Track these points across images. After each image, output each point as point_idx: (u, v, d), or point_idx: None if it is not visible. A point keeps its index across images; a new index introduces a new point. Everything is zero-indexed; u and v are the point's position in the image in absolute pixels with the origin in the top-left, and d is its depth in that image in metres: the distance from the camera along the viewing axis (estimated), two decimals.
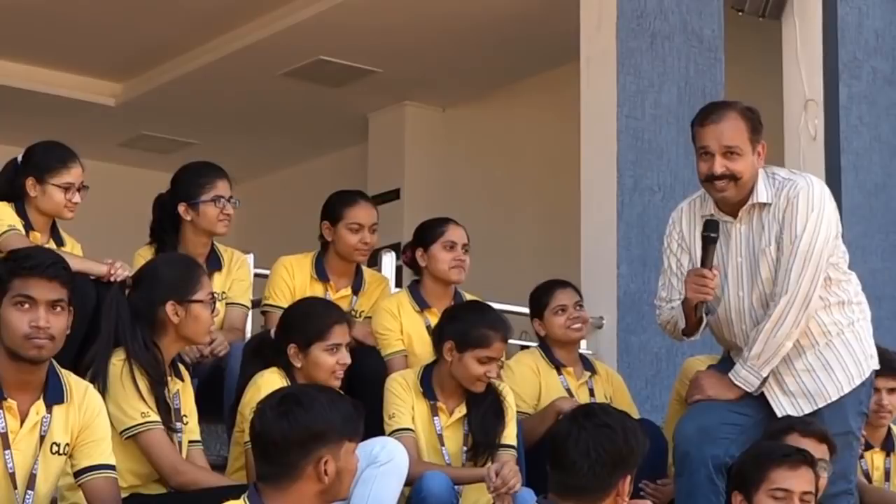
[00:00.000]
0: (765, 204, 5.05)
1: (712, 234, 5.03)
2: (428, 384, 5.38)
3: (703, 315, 5.13)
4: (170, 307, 4.69)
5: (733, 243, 5.11)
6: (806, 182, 5.07)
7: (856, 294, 5.16)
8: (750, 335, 5.05)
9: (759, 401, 5.10)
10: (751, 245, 5.09)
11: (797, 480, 4.55)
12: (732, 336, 5.16)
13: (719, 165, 4.98)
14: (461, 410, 5.39)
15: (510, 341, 5.59)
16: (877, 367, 5.18)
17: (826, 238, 5.01)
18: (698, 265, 5.11)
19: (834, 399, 5.04)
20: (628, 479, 3.95)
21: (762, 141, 5.06)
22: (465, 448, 5.36)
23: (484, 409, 5.35)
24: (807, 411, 5.04)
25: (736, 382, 5.02)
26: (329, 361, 5.03)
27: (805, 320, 4.99)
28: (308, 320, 5.10)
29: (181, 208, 5.77)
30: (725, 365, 5.27)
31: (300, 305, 5.32)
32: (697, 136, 5.07)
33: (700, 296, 5.00)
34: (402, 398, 5.34)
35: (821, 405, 5.03)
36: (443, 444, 5.34)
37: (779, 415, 5.06)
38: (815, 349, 5.06)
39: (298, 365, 5.03)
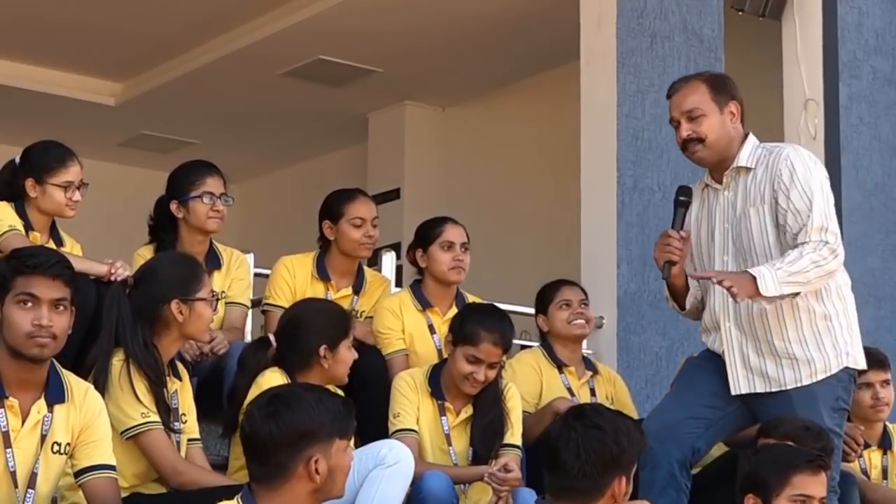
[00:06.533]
0: (749, 169, 5.15)
1: (681, 198, 5.20)
2: (436, 383, 5.40)
3: (664, 278, 5.24)
4: (174, 305, 4.70)
5: (720, 209, 5.22)
6: (792, 147, 5.21)
7: (838, 288, 5.16)
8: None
9: (729, 394, 5.14)
10: (736, 209, 5.17)
11: (817, 486, 4.56)
12: (713, 304, 5.19)
13: (685, 129, 5.15)
14: (468, 411, 5.40)
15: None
16: (855, 365, 5.17)
17: (827, 188, 5.11)
18: (696, 241, 5.25)
19: (790, 388, 5.06)
20: (622, 479, 3.93)
21: (733, 101, 5.18)
22: (471, 448, 5.37)
23: (490, 419, 5.37)
24: (759, 390, 5.10)
25: (754, 273, 4.97)
26: (350, 358, 5.12)
27: (836, 264, 5.01)
28: (333, 319, 5.16)
29: (173, 206, 5.80)
30: (698, 357, 5.34)
31: (313, 307, 5.31)
32: (669, 112, 5.25)
33: (665, 255, 5.14)
34: (409, 398, 5.36)
35: (774, 389, 5.08)
36: (450, 444, 5.36)
37: (733, 393, 5.12)
38: (783, 335, 5.09)
39: (326, 366, 5.06)
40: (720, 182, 5.22)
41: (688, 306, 5.33)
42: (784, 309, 5.07)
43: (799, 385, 5.07)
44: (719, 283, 4.97)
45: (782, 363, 5.08)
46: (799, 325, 5.09)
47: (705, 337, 5.29)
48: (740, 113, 5.19)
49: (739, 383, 5.13)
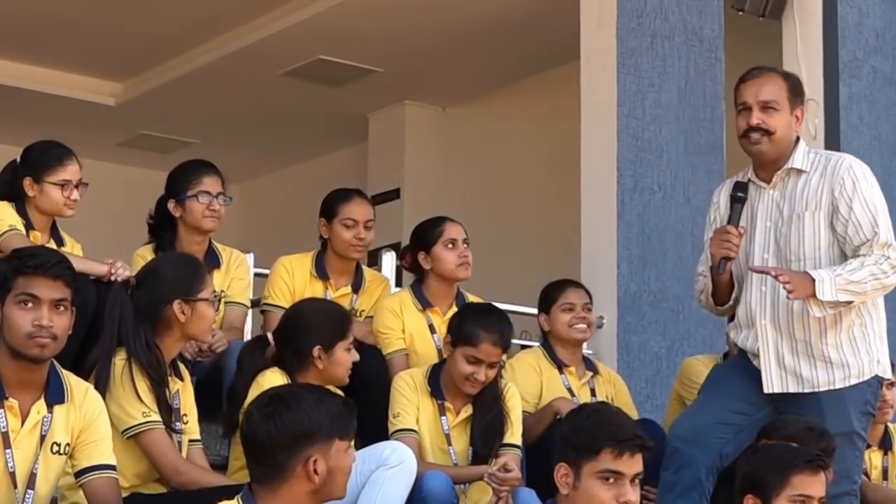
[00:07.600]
0: (800, 171, 5.16)
1: (738, 194, 5.17)
2: (436, 383, 5.40)
3: (711, 273, 5.20)
4: (177, 306, 4.70)
5: (763, 208, 5.21)
6: (850, 157, 5.24)
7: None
8: (775, 298, 5.09)
9: (759, 399, 5.14)
10: (782, 210, 5.16)
11: (817, 486, 4.56)
12: (749, 300, 5.18)
13: (755, 117, 5.13)
14: (468, 410, 5.40)
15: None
16: (884, 373, 5.19)
17: (884, 202, 5.16)
18: None
19: (823, 390, 5.07)
20: (561, 467, 3.93)
21: (802, 106, 5.21)
22: (471, 448, 5.37)
23: (490, 418, 5.36)
24: (792, 390, 5.10)
25: (814, 276, 4.99)
26: (348, 359, 5.09)
27: (895, 279, 5.06)
28: (330, 320, 5.13)
29: (170, 205, 5.80)
30: (727, 362, 5.30)
31: (312, 307, 5.30)
32: (738, 94, 5.23)
33: (722, 251, 5.11)
34: (409, 398, 5.36)
35: (806, 390, 5.08)
36: (450, 444, 5.36)
37: (766, 391, 5.11)
38: (821, 337, 5.09)
39: (321, 367, 5.04)
40: (766, 181, 5.21)
41: (731, 302, 5.30)
42: (826, 315, 5.07)
43: (831, 388, 5.07)
44: (777, 277, 4.97)
45: (817, 365, 5.09)
46: (837, 329, 5.10)
47: (735, 334, 5.28)
48: (803, 119, 5.22)
49: (773, 381, 5.12)
